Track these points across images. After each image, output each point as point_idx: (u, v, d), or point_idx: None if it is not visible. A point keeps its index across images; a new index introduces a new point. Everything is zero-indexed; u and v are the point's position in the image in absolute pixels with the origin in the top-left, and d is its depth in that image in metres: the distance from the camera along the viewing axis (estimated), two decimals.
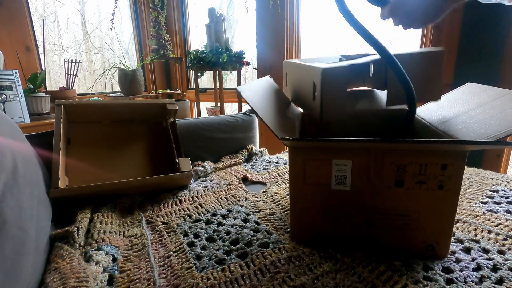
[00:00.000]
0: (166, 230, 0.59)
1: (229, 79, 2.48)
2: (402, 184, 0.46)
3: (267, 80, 0.72)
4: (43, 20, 1.83)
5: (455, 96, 0.65)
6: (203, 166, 0.93)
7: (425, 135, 0.60)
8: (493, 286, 0.41)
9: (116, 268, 0.48)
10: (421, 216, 0.47)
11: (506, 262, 0.45)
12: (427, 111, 0.65)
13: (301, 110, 0.80)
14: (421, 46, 1.45)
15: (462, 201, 0.67)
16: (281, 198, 0.72)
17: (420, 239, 0.48)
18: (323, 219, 0.51)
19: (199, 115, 1.98)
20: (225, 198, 0.74)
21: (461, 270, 0.44)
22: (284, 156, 1.10)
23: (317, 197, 0.50)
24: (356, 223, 0.50)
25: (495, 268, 0.44)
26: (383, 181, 0.46)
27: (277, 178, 0.86)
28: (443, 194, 0.45)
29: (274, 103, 0.64)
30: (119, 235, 0.58)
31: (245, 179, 0.87)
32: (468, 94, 0.62)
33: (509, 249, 0.48)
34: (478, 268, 0.45)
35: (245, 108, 2.01)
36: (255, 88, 0.62)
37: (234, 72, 1.87)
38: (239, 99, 1.91)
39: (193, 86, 2.44)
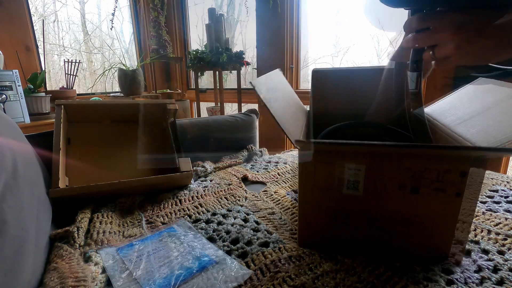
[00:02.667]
0: None
1: (229, 79, 2.48)
2: (417, 191, 0.44)
3: (277, 73, 0.71)
4: (43, 20, 1.83)
5: (467, 93, 0.61)
6: (203, 166, 0.93)
7: (441, 140, 0.57)
8: (493, 287, 0.41)
9: None
10: (435, 223, 0.45)
11: (506, 262, 0.45)
12: (440, 111, 0.62)
13: (307, 107, 0.80)
14: None
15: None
16: (281, 198, 0.72)
17: (433, 246, 0.46)
18: (333, 224, 0.49)
19: (199, 115, 1.98)
20: (225, 198, 0.74)
21: (462, 272, 0.44)
22: (284, 156, 1.10)
23: (326, 202, 0.48)
24: (367, 228, 0.48)
25: (495, 269, 0.44)
26: (397, 187, 0.44)
27: (277, 178, 0.86)
28: (460, 202, 0.42)
29: (287, 102, 0.62)
30: (119, 235, 0.58)
31: (245, 179, 0.87)
32: (481, 91, 0.59)
33: (509, 249, 0.48)
34: (478, 269, 0.44)
35: (245, 108, 2.01)
36: (268, 83, 0.59)
37: (234, 72, 1.87)
38: (239, 99, 1.91)
39: (193, 86, 2.44)
